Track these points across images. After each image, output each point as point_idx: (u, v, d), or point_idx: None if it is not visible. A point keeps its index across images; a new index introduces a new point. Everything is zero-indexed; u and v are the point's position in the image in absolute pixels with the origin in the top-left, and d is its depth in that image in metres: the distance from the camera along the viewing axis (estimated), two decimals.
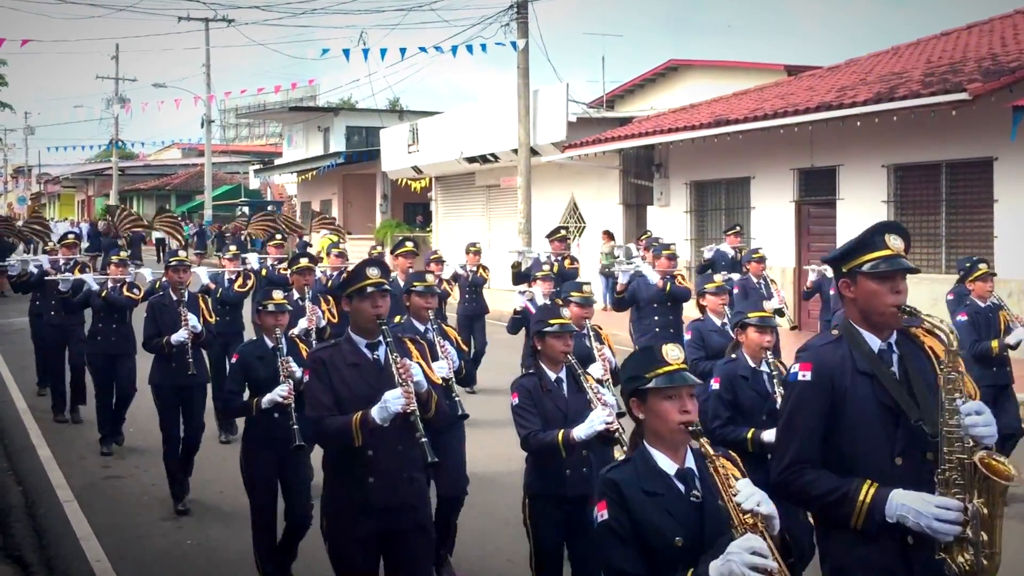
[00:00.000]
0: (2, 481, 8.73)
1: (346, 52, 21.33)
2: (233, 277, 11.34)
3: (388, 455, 4.46)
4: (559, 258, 12.81)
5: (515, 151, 22.41)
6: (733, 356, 5.85)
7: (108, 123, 51.67)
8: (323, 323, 9.09)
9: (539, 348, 5.15)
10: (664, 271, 10.41)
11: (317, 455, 5.20)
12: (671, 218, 20.41)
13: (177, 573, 6.68)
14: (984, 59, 15.21)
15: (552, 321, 5.13)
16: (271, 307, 6.49)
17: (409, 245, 10.49)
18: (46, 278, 11.14)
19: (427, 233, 30.77)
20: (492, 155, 24.86)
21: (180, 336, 8.05)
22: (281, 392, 6.14)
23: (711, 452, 3.13)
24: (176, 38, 60.74)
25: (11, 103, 33.39)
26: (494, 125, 24.26)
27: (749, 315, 5.79)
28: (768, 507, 2.95)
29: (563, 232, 13.96)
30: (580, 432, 4.83)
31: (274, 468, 6.22)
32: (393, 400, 4.28)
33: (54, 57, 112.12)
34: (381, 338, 4.52)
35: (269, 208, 43.23)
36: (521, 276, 12.88)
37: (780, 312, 11.20)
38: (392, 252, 9.58)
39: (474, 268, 13.28)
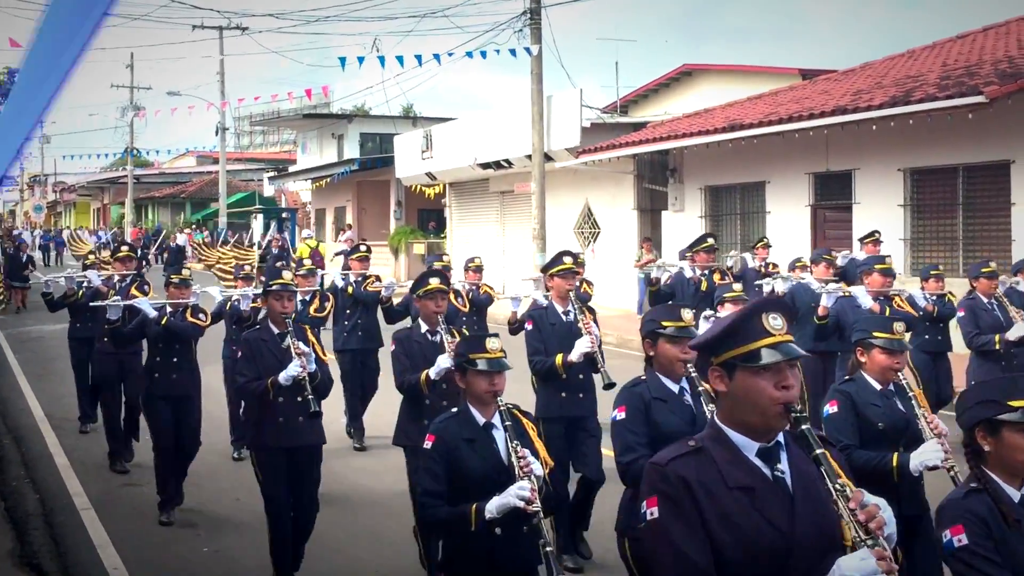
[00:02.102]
0: (19, 489, 8.75)
1: (360, 59, 21.37)
2: (307, 299, 9.13)
3: None
4: (707, 272, 10.47)
5: (529, 157, 22.42)
6: None
7: (123, 131, 52.19)
8: None
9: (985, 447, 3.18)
10: (877, 292, 8.50)
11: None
12: (686, 223, 20.36)
13: None
14: (1001, 62, 15.14)
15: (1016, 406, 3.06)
16: (482, 365, 4.39)
17: (568, 261, 7.22)
18: (91, 303, 9.26)
19: (441, 239, 30.79)
20: (506, 161, 24.87)
21: (292, 371, 6.15)
22: (523, 495, 4.05)
23: None
24: (190, 46, 60.92)
25: None
26: (508, 131, 24.28)
27: None
28: None
29: (710, 242, 10.98)
30: None
31: None
32: None
33: None
34: (781, 441, 2.56)
35: (283, 216, 43.50)
36: (660, 295, 10.23)
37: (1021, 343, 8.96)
38: (545, 271, 7.39)
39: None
